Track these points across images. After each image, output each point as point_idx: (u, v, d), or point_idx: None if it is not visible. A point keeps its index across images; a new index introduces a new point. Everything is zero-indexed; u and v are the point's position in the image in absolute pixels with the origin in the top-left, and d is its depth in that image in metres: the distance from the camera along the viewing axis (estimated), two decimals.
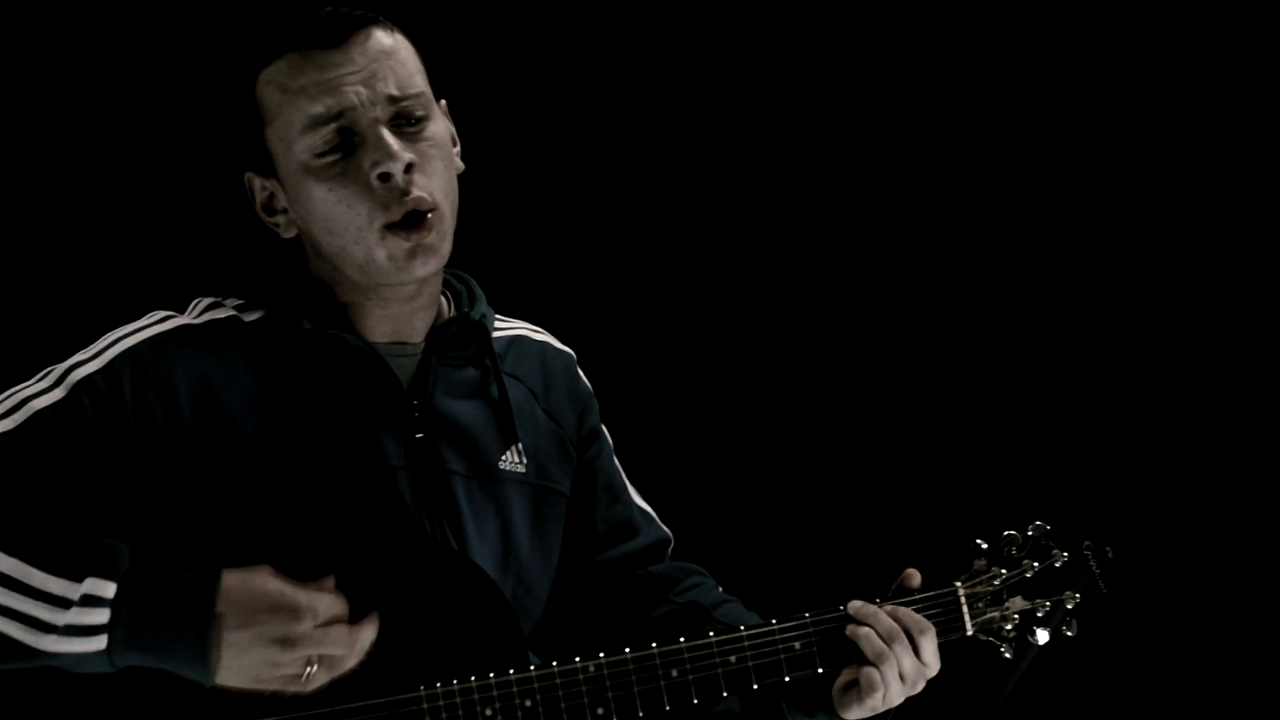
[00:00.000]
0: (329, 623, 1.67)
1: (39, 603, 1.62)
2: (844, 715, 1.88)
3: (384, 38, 1.84)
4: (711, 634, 1.84)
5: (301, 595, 1.66)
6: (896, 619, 1.86)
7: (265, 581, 1.66)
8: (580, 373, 2.11)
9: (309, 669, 1.65)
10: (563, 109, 2.88)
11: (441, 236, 1.84)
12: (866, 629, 1.85)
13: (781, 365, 2.99)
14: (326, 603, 1.67)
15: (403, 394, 1.88)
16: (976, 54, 2.90)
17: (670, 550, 2.15)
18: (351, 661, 1.68)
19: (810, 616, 1.87)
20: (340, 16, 1.82)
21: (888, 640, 1.84)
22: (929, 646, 1.86)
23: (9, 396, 1.77)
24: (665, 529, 2.15)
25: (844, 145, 2.95)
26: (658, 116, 2.92)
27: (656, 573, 2.09)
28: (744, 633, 1.84)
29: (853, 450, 2.98)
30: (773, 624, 1.86)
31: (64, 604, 1.62)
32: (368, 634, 1.69)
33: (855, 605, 1.88)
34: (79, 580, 1.62)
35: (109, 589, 1.63)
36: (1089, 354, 2.95)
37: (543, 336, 2.09)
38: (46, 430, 1.73)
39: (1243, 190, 2.87)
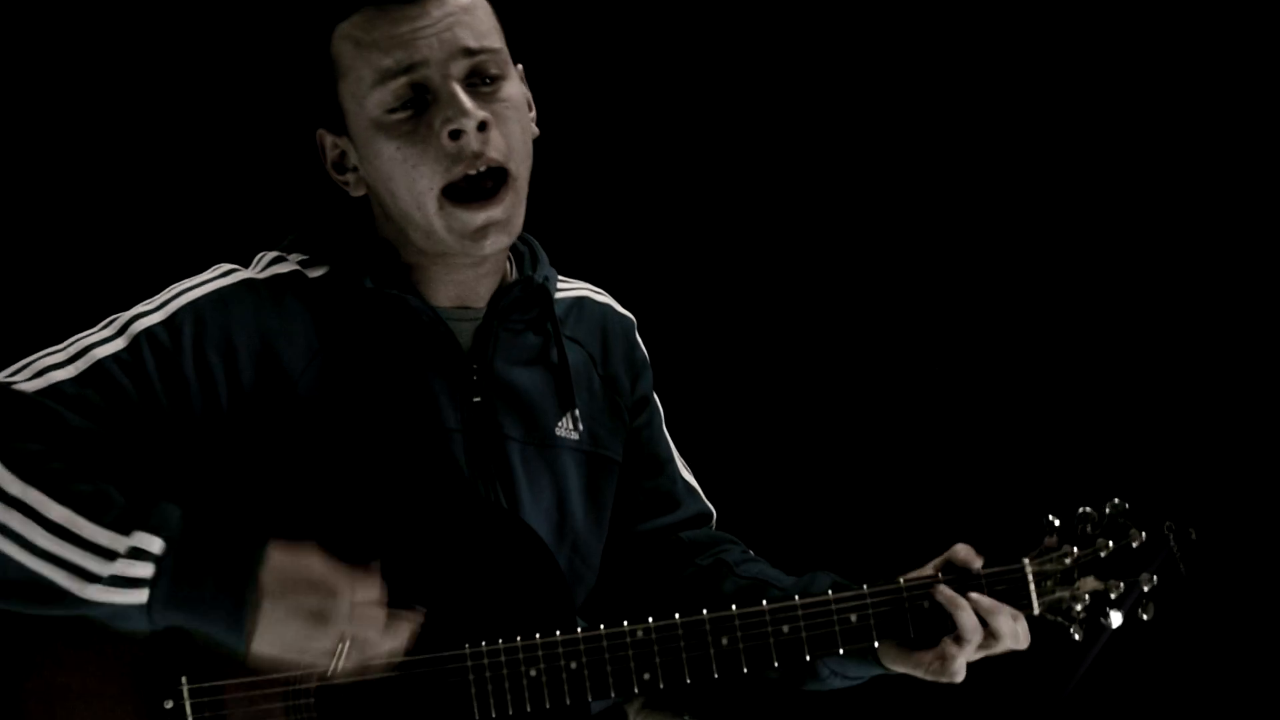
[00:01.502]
0: (367, 605, 1.66)
1: (86, 552, 1.64)
2: (889, 666, 1.84)
3: None
4: (765, 602, 1.80)
5: (342, 576, 1.66)
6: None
7: (309, 558, 1.66)
8: (639, 339, 2.09)
9: (341, 646, 1.65)
10: (631, 76, 2.88)
11: (514, 208, 1.82)
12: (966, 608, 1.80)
13: (837, 339, 2.97)
14: (366, 585, 1.66)
15: (462, 358, 1.87)
16: (977, 54, 2.88)
17: (712, 525, 2.11)
18: (386, 647, 1.67)
19: (868, 589, 1.82)
20: None
21: (987, 616, 1.80)
22: (1022, 628, 1.82)
23: (72, 344, 1.78)
24: (708, 504, 2.12)
25: (848, 145, 2.94)
26: (708, 104, 2.91)
27: (687, 538, 2.06)
28: (798, 602, 1.81)
29: (922, 419, 2.95)
30: (828, 595, 1.81)
31: (110, 555, 1.63)
32: (406, 624, 1.68)
33: (945, 593, 1.81)
34: (127, 534, 1.64)
35: (156, 544, 1.64)
36: (1171, 338, 2.90)
37: (605, 299, 2.07)
38: (106, 381, 1.73)
39: (1243, 190, 2.82)
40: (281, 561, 1.65)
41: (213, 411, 1.76)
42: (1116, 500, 1.90)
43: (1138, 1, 2.83)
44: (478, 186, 1.78)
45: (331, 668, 1.67)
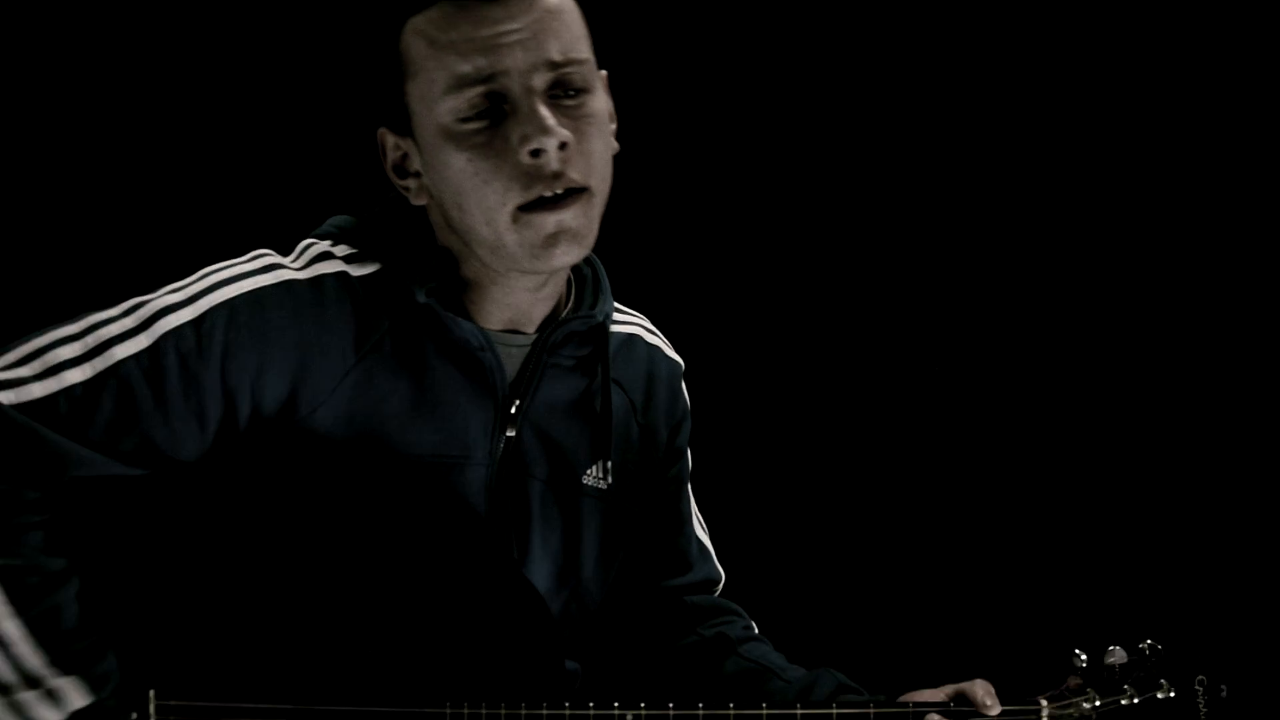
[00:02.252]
0: None
1: (8, 663, 1.54)
2: None
3: None
4: (764, 705, 1.70)
5: None
6: None
7: None
8: (684, 387, 1.98)
9: None
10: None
11: (589, 222, 1.68)
12: None
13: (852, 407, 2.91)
14: None
15: (505, 388, 1.76)
16: (977, 54, 2.83)
17: (718, 590, 2.02)
18: None
19: (874, 709, 1.72)
20: None
21: None
22: None
23: (89, 330, 1.64)
24: (718, 568, 2.02)
25: (852, 146, 2.88)
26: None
27: (692, 604, 1.97)
28: (799, 714, 1.70)
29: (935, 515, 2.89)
30: (832, 710, 1.70)
31: (32, 683, 1.54)
32: None
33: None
34: (62, 674, 1.55)
35: (77, 702, 1.55)
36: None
37: (657, 340, 1.95)
38: (122, 388, 1.60)
39: (1244, 190, 2.79)
40: None
41: (225, 433, 1.65)
42: (1149, 642, 1.80)
43: (1138, 1, 2.79)
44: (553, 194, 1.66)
45: None
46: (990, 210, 2.89)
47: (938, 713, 1.72)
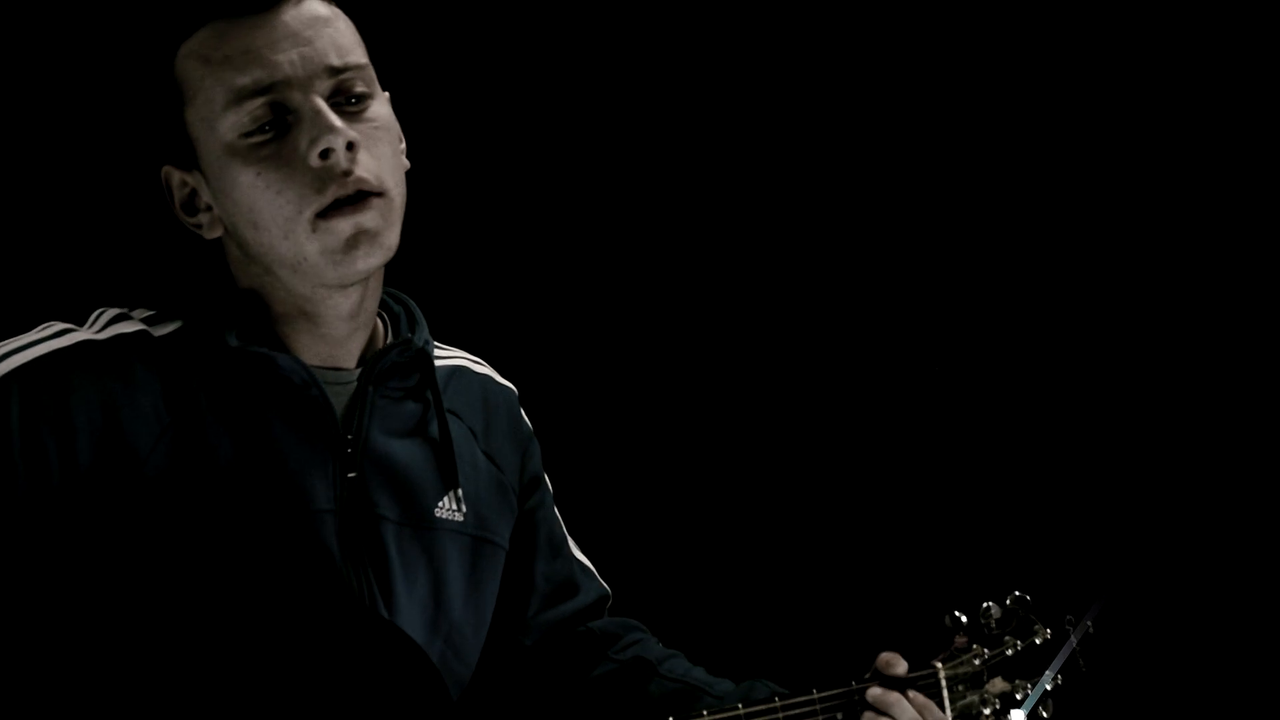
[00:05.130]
0: None
1: None
2: None
3: (320, 6, 1.63)
4: (705, 712, 1.69)
5: None
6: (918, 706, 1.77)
7: None
8: (522, 412, 1.92)
9: None
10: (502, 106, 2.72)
11: (387, 223, 1.62)
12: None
13: (739, 409, 2.86)
14: None
15: (337, 427, 1.67)
16: (977, 54, 2.82)
17: (608, 607, 1.97)
18: None
19: (817, 693, 1.75)
20: None
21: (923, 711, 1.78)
22: None
23: None
24: (604, 585, 1.97)
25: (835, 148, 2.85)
26: (613, 111, 2.78)
27: (596, 629, 1.91)
28: (741, 711, 1.69)
29: (818, 502, 2.86)
30: (775, 702, 1.72)
31: None
32: None
33: (875, 692, 1.77)
34: None
35: None
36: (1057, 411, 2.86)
37: (484, 369, 1.89)
38: None
39: (1244, 191, 2.82)
40: None
41: (38, 499, 1.52)
42: (1018, 593, 1.88)
43: (1138, 1, 2.80)
44: (349, 194, 1.60)
45: None
46: (944, 208, 2.89)
47: (875, 685, 1.78)
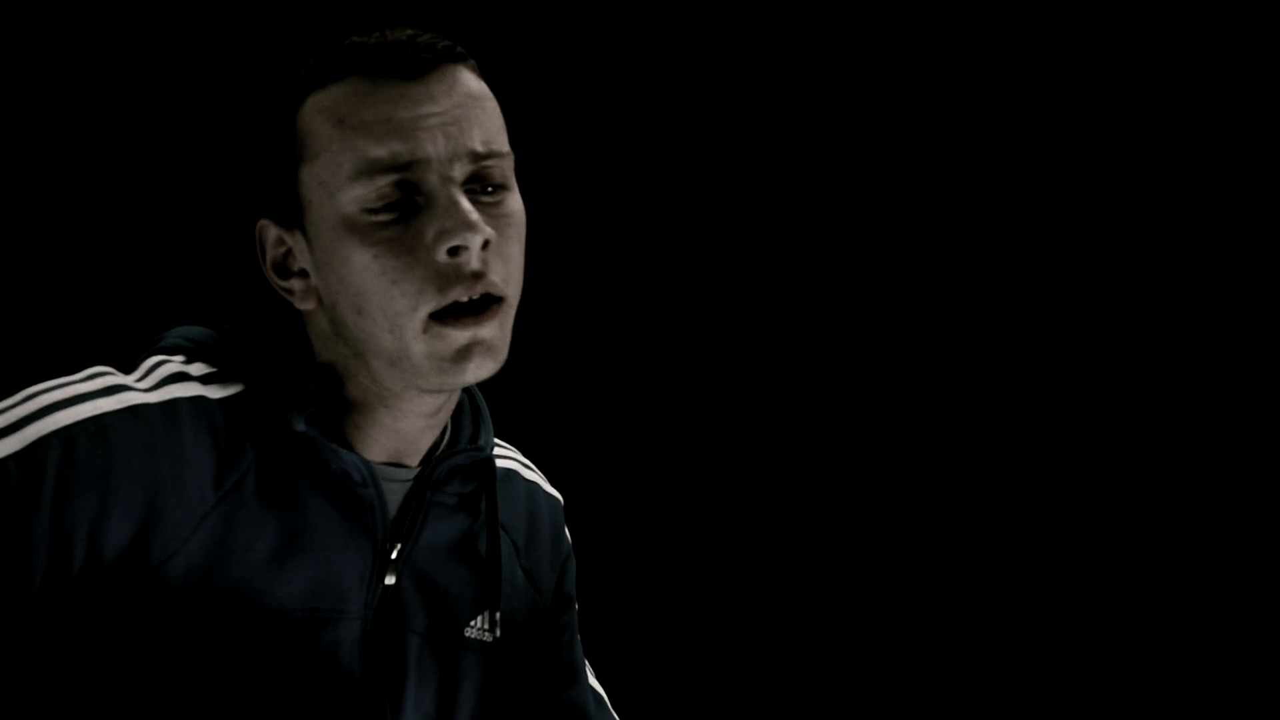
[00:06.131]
0: None
1: None
2: None
3: (472, 81, 1.49)
4: None
5: None
6: None
7: None
8: (565, 528, 1.77)
9: None
10: None
11: (504, 335, 1.48)
12: None
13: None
14: None
15: (386, 531, 1.52)
16: (976, 54, 2.82)
17: None
18: None
19: None
20: (424, 44, 1.46)
21: None
22: None
23: None
24: (615, 716, 1.82)
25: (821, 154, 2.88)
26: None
27: None
28: None
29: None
30: None
31: None
32: None
33: None
34: None
35: None
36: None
37: (534, 476, 1.75)
38: None
39: (1244, 191, 2.82)
40: None
41: (51, 585, 1.37)
42: None
43: (1138, 1, 2.79)
44: (469, 300, 1.45)
45: None
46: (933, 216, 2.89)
47: None
